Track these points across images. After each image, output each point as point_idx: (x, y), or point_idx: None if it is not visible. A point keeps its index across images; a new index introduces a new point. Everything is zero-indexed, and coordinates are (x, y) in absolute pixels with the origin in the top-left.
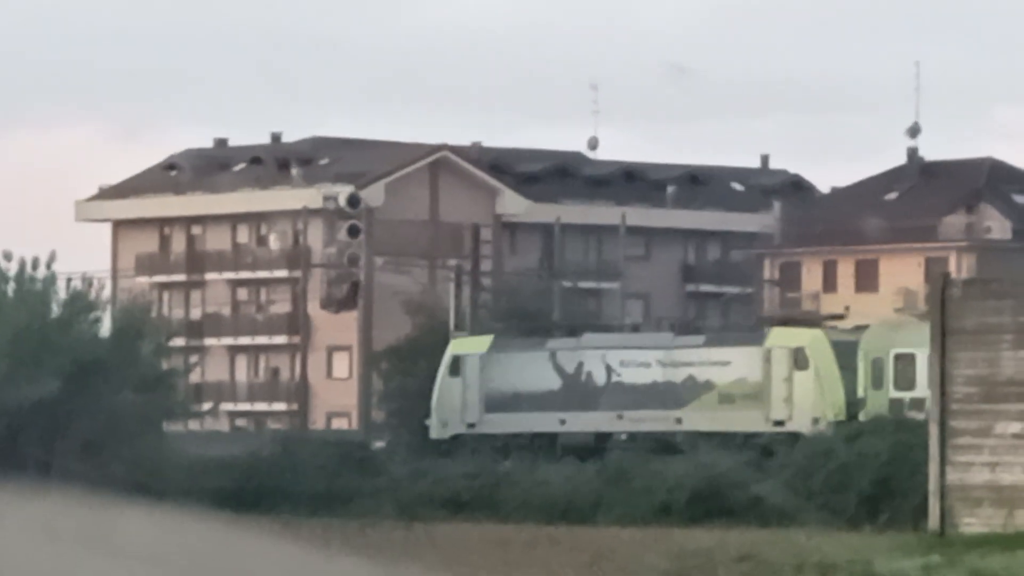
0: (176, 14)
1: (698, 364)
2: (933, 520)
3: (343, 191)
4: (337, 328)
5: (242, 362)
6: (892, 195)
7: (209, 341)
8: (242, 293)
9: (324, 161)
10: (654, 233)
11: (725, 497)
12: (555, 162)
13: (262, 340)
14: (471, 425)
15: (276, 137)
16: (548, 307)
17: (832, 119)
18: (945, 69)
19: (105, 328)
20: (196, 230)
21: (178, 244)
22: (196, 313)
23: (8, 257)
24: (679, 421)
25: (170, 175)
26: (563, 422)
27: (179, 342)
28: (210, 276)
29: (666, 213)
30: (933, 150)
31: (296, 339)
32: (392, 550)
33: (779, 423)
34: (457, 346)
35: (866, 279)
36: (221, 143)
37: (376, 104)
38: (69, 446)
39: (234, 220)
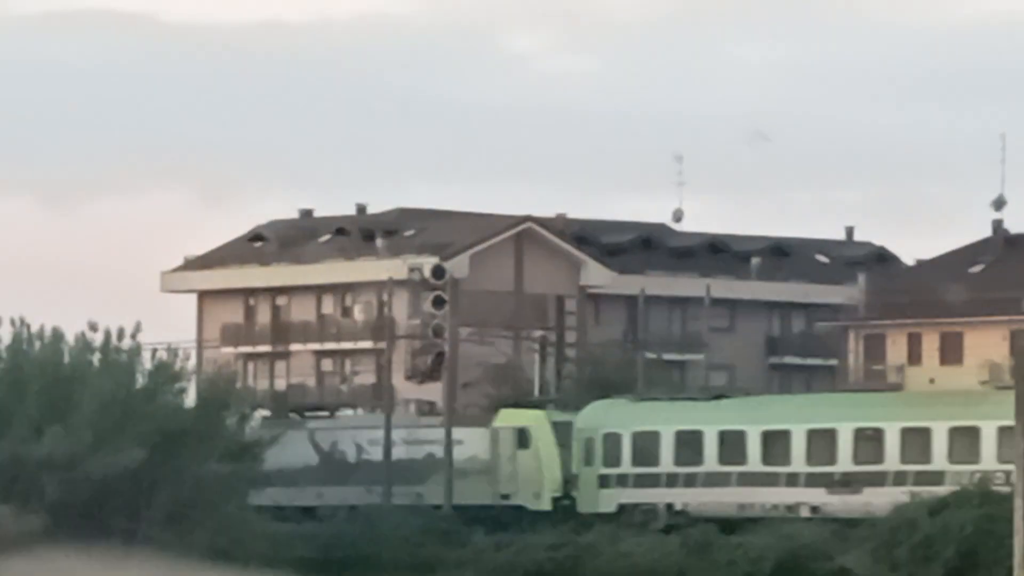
0: (260, 83)
1: (437, 443)
2: None
3: (428, 262)
4: (422, 399)
5: None
6: (977, 267)
7: (293, 416)
8: (327, 364)
9: (409, 232)
10: (738, 305)
11: (808, 568)
12: (640, 233)
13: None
14: None
15: (361, 208)
16: (632, 378)
17: (917, 190)
18: None
19: (190, 398)
20: (281, 301)
21: (263, 315)
22: (281, 384)
23: (94, 328)
24: (420, 495)
25: (255, 246)
26: (320, 495)
27: (264, 413)
28: (295, 347)
29: (750, 285)
30: (1018, 222)
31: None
32: None
33: (505, 497)
34: None
35: (951, 351)
36: (306, 214)
37: (461, 175)
38: (154, 515)
39: (319, 291)
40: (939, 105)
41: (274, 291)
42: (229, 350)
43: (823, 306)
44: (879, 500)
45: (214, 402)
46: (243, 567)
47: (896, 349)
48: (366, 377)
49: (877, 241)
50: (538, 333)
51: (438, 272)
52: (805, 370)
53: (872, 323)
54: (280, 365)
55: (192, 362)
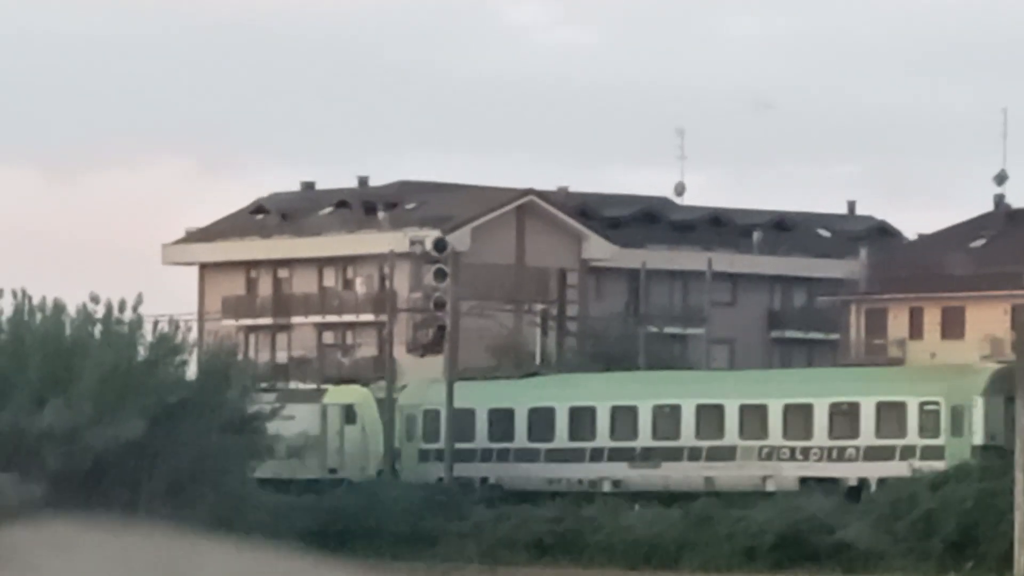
0: (263, 56)
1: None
2: (1018, 567)
3: (429, 235)
4: (423, 372)
5: None
6: (979, 242)
7: (295, 384)
8: (328, 336)
9: (410, 205)
10: (740, 279)
11: (810, 542)
12: (641, 207)
13: None
14: None
15: (363, 181)
16: (633, 352)
17: (919, 165)
18: None
19: (191, 370)
20: (283, 273)
21: (264, 287)
22: (282, 356)
23: (96, 300)
24: (253, 469)
25: (257, 218)
26: None
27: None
28: (296, 319)
29: (752, 259)
30: (1020, 197)
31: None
32: None
33: (333, 471)
34: None
35: (952, 326)
36: (308, 186)
37: (463, 148)
38: (155, 486)
39: (320, 264)
40: (941, 79)
41: (275, 263)
42: (230, 322)
43: (824, 280)
44: (676, 475)
45: (215, 375)
46: (244, 539)
47: (897, 323)
48: (368, 350)
49: (879, 215)
50: (539, 306)
51: (440, 245)
52: (806, 344)
53: (873, 297)
54: (281, 338)
55: (193, 334)
